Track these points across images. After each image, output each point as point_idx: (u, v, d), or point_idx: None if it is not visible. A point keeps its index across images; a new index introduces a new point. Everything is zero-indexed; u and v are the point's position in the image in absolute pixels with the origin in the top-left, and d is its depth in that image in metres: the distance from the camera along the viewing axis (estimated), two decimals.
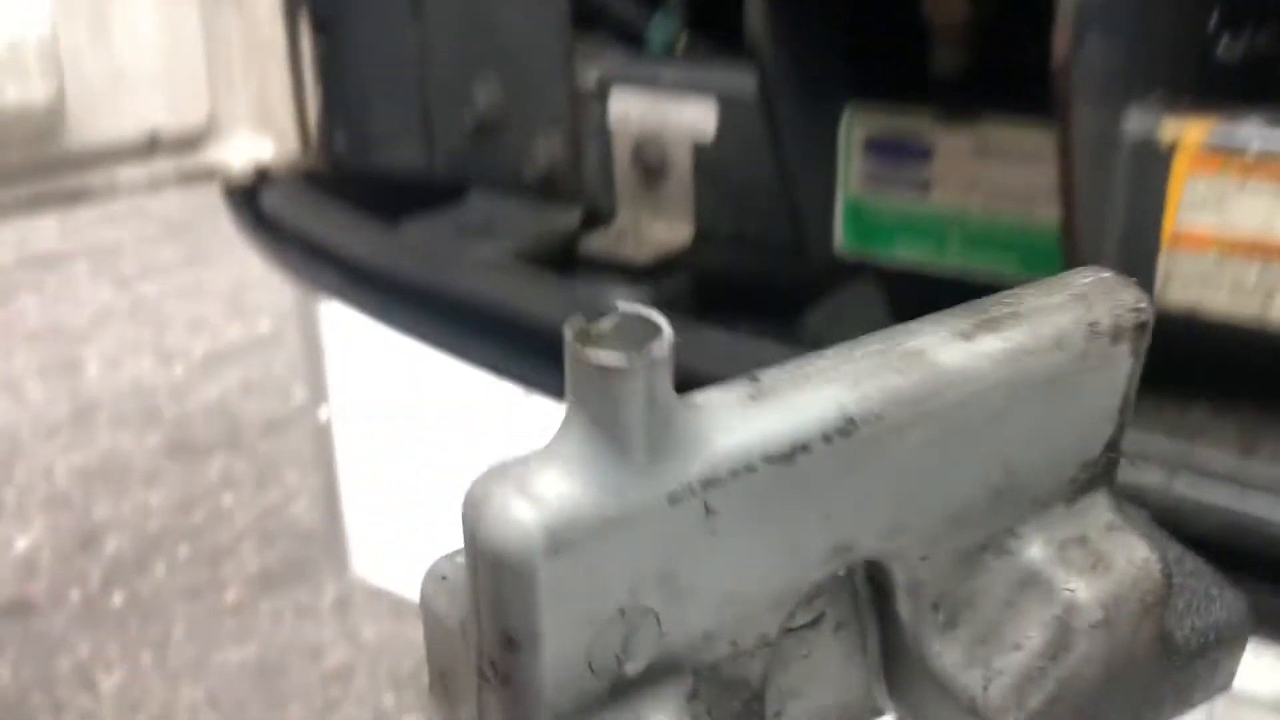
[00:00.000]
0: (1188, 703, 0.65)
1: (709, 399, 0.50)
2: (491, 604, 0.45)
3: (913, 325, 0.56)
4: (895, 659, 0.62)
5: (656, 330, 0.45)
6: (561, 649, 0.46)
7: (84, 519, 4.35)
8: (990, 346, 0.55)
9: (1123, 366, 0.59)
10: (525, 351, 1.49)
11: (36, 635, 3.79)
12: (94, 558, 4.14)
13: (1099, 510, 0.60)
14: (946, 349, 0.54)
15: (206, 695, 3.52)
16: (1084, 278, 0.59)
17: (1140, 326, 0.58)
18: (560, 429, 0.46)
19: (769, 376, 0.52)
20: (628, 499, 0.45)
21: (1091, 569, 0.57)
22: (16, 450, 4.78)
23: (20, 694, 3.56)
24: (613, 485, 0.44)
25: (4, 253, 6.07)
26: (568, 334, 0.44)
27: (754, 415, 0.50)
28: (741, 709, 0.53)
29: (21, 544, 4.23)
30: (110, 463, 4.67)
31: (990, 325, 0.56)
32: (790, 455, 0.49)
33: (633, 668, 0.48)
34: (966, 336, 0.55)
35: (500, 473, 0.45)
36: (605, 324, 0.45)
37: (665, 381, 0.45)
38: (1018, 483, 0.58)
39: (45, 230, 6.19)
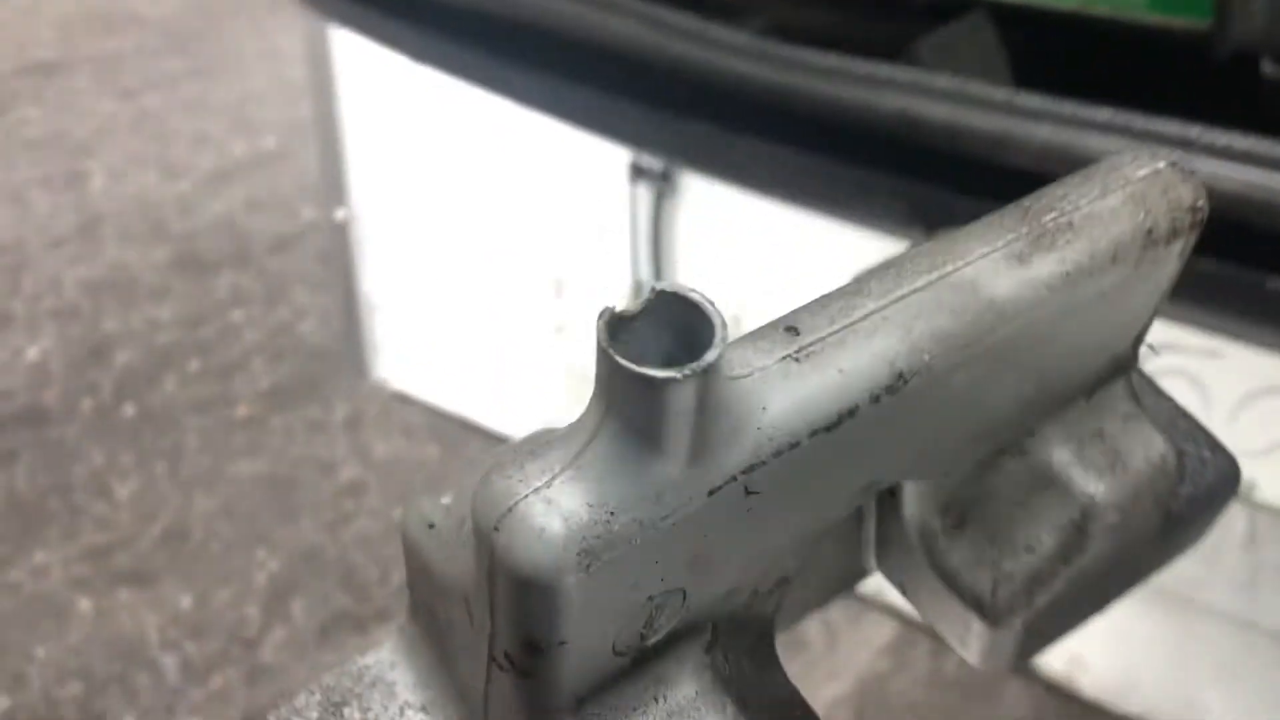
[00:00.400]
0: (1167, 562, 0.64)
1: (749, 364, 0.45)
2: (513, 614, 0.43)
3: (962, 238, 0.51)
4: (892, 543, 0.60)
5: (704, 319, 0.40)
6: (587, 644, 0.44)
7: (93, 331, 4.35)
8: (1045, 271, 0.50)
9: (1170, 266, 0.55)
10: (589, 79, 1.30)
11: (51, 443, 3.83)
12: (105, 369, 4.16)
13: (1117, 400, 0.57)
14: (1000, 277, 0.50)
15: (220, 505, 3.58)
16: (1140, 169, 0.53)
17: (1195, 226, 0.54)
18: (593, 429, 0.42)
19: (809, 325, 0.47)
20: (666, 504, 0.42)
21: (1110, 469, 0.55)
22: (23, 261, 4.75)
23: (38, 499, 3.62)
24: (650, 494, 0.41)
25: (1, 62, 5.92)
26: (599, 327, 0.39)
27: (797, 384, 0.45)
28: (755, 641, 0.52)
29: (32, 353, 4.24)
30: (118, 276, 4.64)
31: (1044, 242, 0.51)
32: (837, 423, 0.46)
33: (656, 639, 0.47)
34: (1021, 259, 0.50)
35: (524, 477, 0.41)
36: (641, 310, 0.40)
37: (716, 381, 0.41)
38: (1047, 390, 0.55)
39: (44, 39, 6.03)
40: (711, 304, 0.40)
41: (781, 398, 0.44)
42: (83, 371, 4.14)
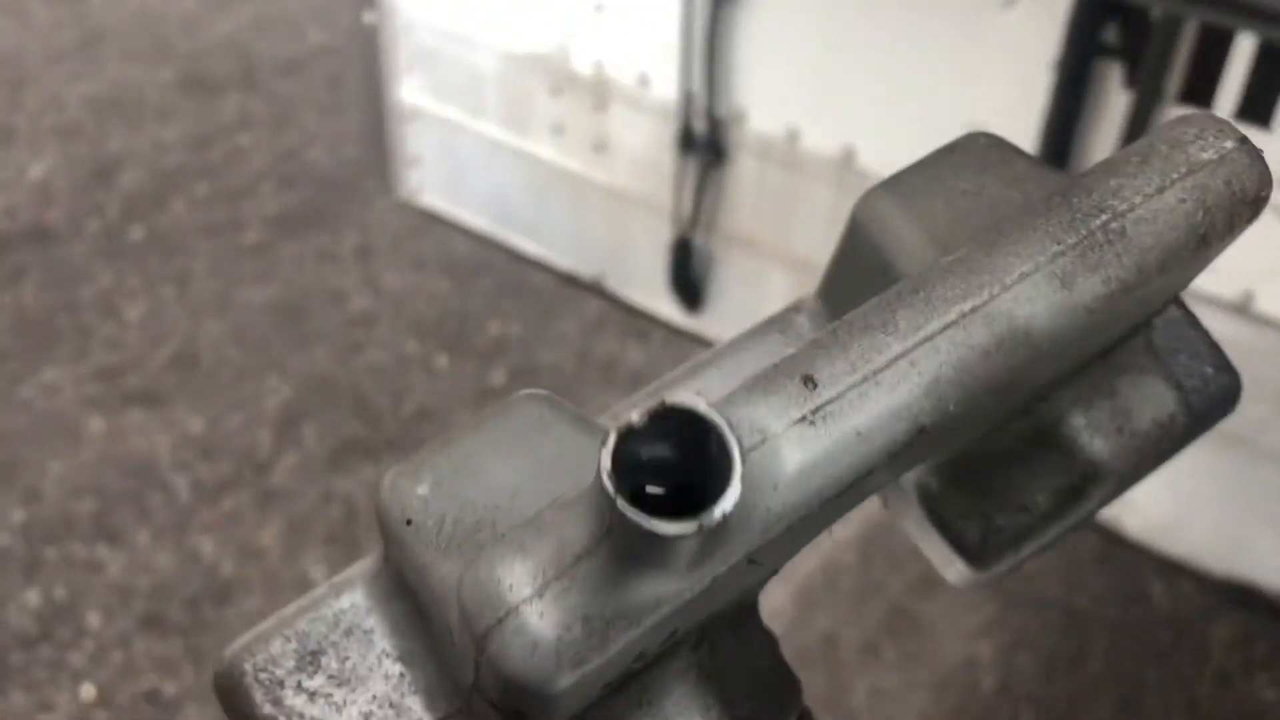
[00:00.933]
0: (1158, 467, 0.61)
1: (762, 429, 0.42)
2: (502, 698, 0.42)
3: (1004, 248, 0.46)
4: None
5: (723, 452, 0.37)
6: (577, 702, 0.42)
7: (98, 150, 4.27)
8: (1089, 294, 0.45)
9: (1217, 253, 0.49)
10: None
11: (58, 262, 3.80)
12: (110, 190, 4.09)
13: (1134, 354, 0.53)
14: (1038, 305, 0.45)
15: (230, 331, 3.57)
16: (1205, 150, 0.47)
17: (1252, 219, 0.48)
18: (589, 541, 0.39)
19: (828, 375, 0.43)
20: (664, 606, 0.40)
21: (1117, 431, 0.52)
22: (24, 76, 4.64)
23: (46, 317, 3.60)
24: (650, 603, 0.40)
25: None
26: (606, 464, 0.36)
27: (812, 451, 0.42)
28: (737, 615, 0.49)
29: (36, 171, 4.17)
30: (122, 94, 4.54)
31: (1091, 258, 0.45)
32: (851, 485, 0.43)
33: (643, 664, 0.45)
34: (1064, 281, 0.45)
35: (515, 582, 0.39)
36: (647, 427, 0.37)
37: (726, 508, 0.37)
38: (1070, 366, 0.51)
39: None
40: (726, 427, 0.37)
41: (792, 470, 0.41)
42: (88, 192, 4.08)
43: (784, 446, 0.42)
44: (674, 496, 0.39)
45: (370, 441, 3.21)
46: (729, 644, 0.48)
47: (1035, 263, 0.45)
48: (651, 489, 0.39)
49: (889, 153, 1.68)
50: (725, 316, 1.99)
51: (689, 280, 1.97)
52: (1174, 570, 2.81)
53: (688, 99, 1.83)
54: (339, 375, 3.41)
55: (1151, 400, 0.53)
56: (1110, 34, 1.39)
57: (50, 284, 3.72)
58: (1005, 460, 0.52)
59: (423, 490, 0.48)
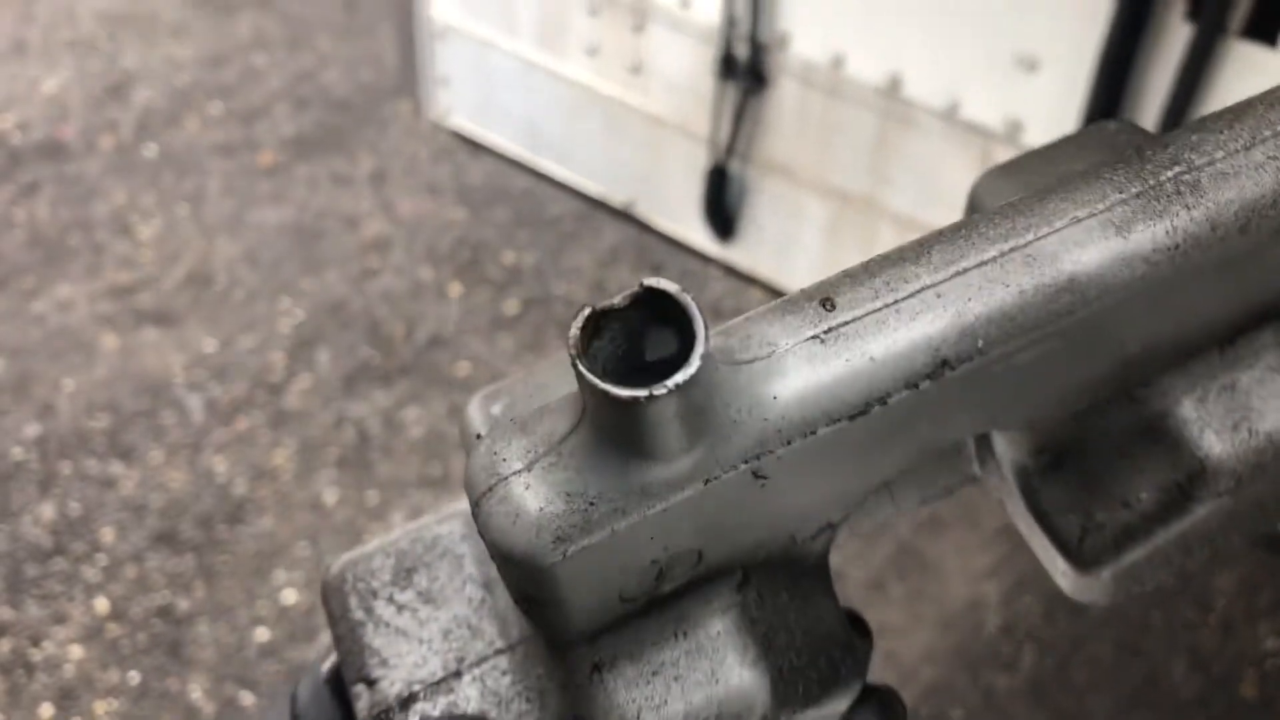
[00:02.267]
0: None
1: (769, 343, 0.41)
2: (504, 574, 0.43)
3: (1058, 195, 0.43)
4: (990, 467, 0.54)
5: (684, 316, 0.37)
6: (584, 598, 0.43)
7: (111, 66, 4.22)
8: (1147, 244, 0.42)
9: None
10: None
11: (71, 178, 3.77)
12: (124, 106, 4.06)
13: (1262, 350, 0.48)
14: (1086, 250, 0.42)
15: (244, 252, 3.55)
16: None
17: None
18: (576, 418, 0.40)
19: (848, 299, 0.42)
20: (652, 496, 0.40)
21: (1234, 429, 0.47)
22: None
23: (60, 233, 3.59)
24: (634, 488, 0.40)
25: None
26: (574, 328, 0.37)
27: (819, 370, 0.41)
28: (797, 576, 0.49)
29: (49, 85, 4.13)
30: (136, 10, 4.48)
31: (1154, 207, 0.42)
32: (864, 411, 0.41)
33: (670, 587, 0.45)
34: (1120, 228, 0.42)
35: (508, 456, 0.41)
36: (627, 305, 0.38)
37: (701, 378, 0.37)
38: (1161, 348, 0.47)
39: None
40: (694, 307, 0.37)
41: (797, 385, 0.41)
42: (102, 107, 4.04)
43: (789, 360, 0.41)
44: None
45: (383, 367, 3.21)
46: (782, 597, 0.48)
47: (1092, 209, 0.43)
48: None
49: (936, 82, 1.66)
50: (758, 246, 1.98)
51: (722, 208, 1.96)
52: None
53: (730, 22, 1.80)
54: (352, 299, 3.40)
55: (1278, 399, 0.48)
56: None
57: (64, 200, 3.70)
58: (1108, 450, 0.49)
59: (496, 410, 0.50)
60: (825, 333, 0.42)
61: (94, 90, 4.12)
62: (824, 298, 0.43)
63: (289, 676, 2.56)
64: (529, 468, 0.41)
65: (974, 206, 0.52)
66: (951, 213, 1.81)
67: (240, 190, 3.76)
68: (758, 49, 1.81)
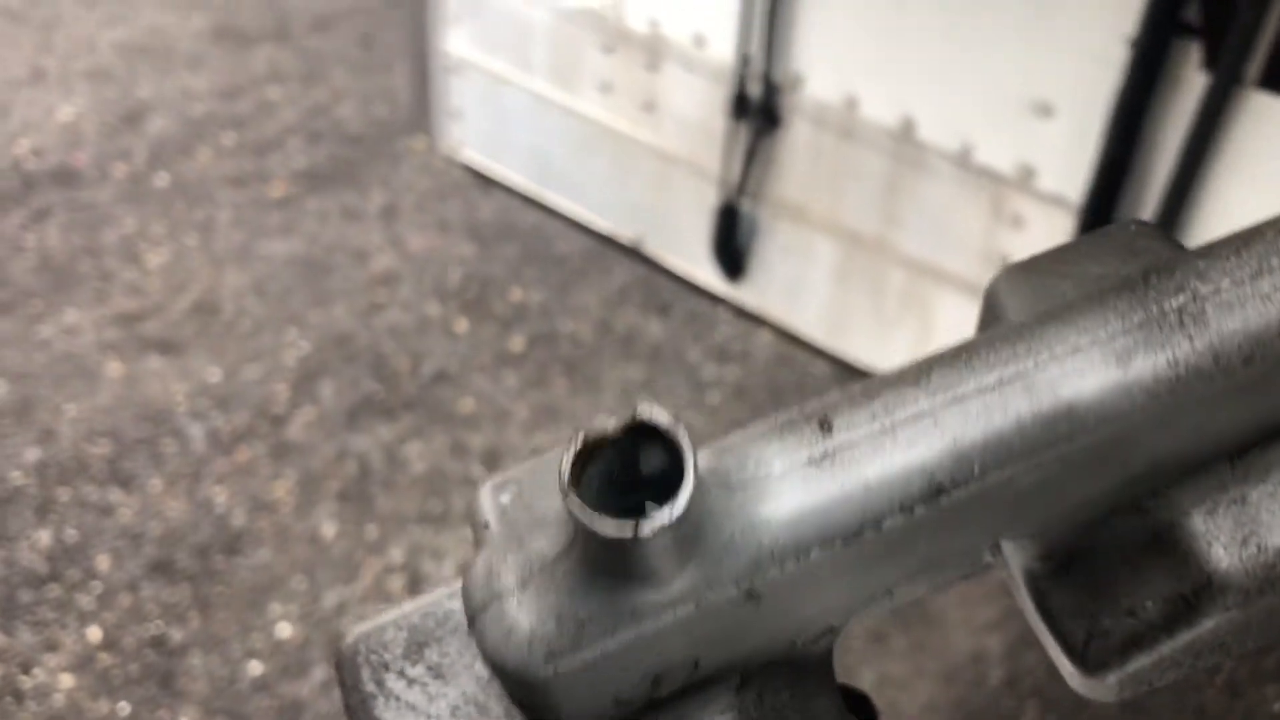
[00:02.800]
0: None
1: (765, 466, 0.42)
2: (504, 686, 0.44)
3: (1060, 320, 0.43)
4: (1000, 561, 0.53)
5: (678, 462, 0.38)
6: (581, 705, 0.44)
7: (127, 95, 4.25)
8: (1148, 374, 0.42)
9: None
10: None
11: (83, 205, 3.78)
12: (138, 135, 4.08)
13: (1271, 463, 0.47)
14: (1087, 379, 0.42)
15: (252, 282, 3.55)
16: None
17: None
18: (569, 540, 0.41)
19: (846, 421, 0.42)
20: (643, 618, 0.41)
21: (1242, 543, 0.47)
22: (57, 18, 4.62)
23: (69, 259, 3.60)
24: (625, 612, 0.41)
25: None
26: (564, 459, 0.38)
27: (814, 492, 0.42)
28: (799, 676, 0.48)
29: (65, 113, 4.15)
30: (154, 41, 4.52)
31: (1157, 337, 0.43)
32: (858, 534, 0.42)
33: (667, 691, 0.45)
34: (1120, 359, 0.42)
35: (503, 573, 0.42)
36: (612, 434, 0.38)
37: (692, 509, 0.38)
38: (1167, 466, 0.46)
39: None
40: (686, 442, 0.38)
41: (791, 508, 0.41)
42: (116, 136, 4.06)
43: (785, 483, 0.42)
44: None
45: (387, 401, 3.20)
46: (782, 695, 0.48)
47: (1093, 337, 0.43)
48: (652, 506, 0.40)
49: (950, 125, 1.66)
50: (767, 286, 1.97)
51: (732, 248, 1.95)
52: None
53: (744, 61, 1.80)
54: (359, 333, 3.40)
55: None
56: (1191, 11, 1.37)
57: (74, 226, 3.71)
58: (1115, 559, 0.49)
59: (505, 499, 0.50)
60: (821, 456, 0.43)
61: (109, 119, 4.14)
62: (822, 418, 0.43)
63: (281, 712, 2.53)
64: (522, 587, 0.42)
65: (989, 304, 0.52)
66: (962, 258, 1.80)
67: (250, 221, 3.77)
68: (771, 89, 1.81)
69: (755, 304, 1.98)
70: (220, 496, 2.95)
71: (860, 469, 0.42)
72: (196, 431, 3.11)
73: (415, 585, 2.73)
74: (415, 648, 0.55)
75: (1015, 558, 0.51)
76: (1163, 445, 0.45)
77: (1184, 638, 0.48)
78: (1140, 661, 0.49)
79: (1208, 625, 0.48)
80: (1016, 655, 2.69)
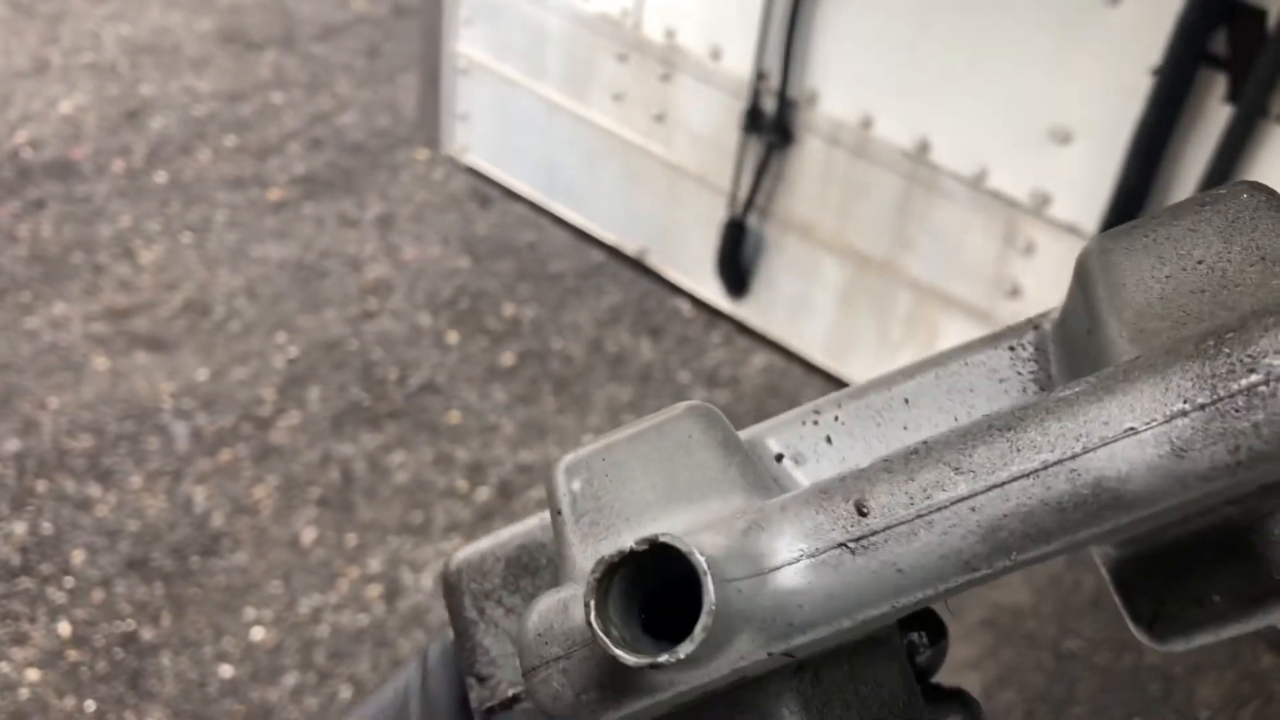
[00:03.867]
0: None
1: (796, 549, 0.43)
2: None
3: (1112, 400, 0.41)
4: None
5: (698, 592, 0.40)
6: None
7: (130, 92, 4.24)
8: (1205, 462, 0.40)
9: None
10: None
11: (79, 198, 3.76)
12: (139, 132, 4.06)
13: None
14: (1138, 468, 0.41)
15: (244, 284, 3.53)
16: None
17: None
18: (591, 630, 0.43)
19: (882, 504, 0.43)
20: (682, 685, 0.44)
21: None
22: (64, 11, 4.61)
23: (62, 251, 3.57)
24: (665, 681, 0.44)
25: None
26: (587, 593, 0.41)
27: (847, 574, 0.42)
28: (855, 651, 0.49)
29: (66, 106, 4.13)
30: (160, 40, 4.51)
31: (1216, 426, 0.40)
32: (892, 606, 0.43)
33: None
34: (1178, 450, 0.40)
35: (552, 640, 0.45)
36: (635, 554, 0.41)
37: (717, 620, 0.40)
38: (1235, 494, 0.45)
39: None
40: (706, 572, 0.39)
41: (824, 590, 0.42)
42: (116, 132, 4.05)
43: (816, 569, 0.43)
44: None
45: (373, 409, 3.17)
46: (842, 669, 0.48)
47: (1150, 419, 0.41)
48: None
49: (965, 149, 1.66)
50: (770, 305, 1.96)
51: (737, 264, 1.94)
52: None
53: (759, 75, 1.80)
54: (348, 340, 3.38)
55: None
56: (1218, 43, 1.37)
57: (69, 219, 3.69)
58: (1190, 550, 0.48)
59: (576, 486, 0.52)
60: (855, 540, 0.43)
61: (110, 114, 4.13)
62: (858, 500, 0.43)
63: (248, 717, 2.49)
64: (568, 655, 0.45)
65: (1081, 274, 0.49)
66: (970, 283, 1.79)
67: (246, 224, 3.76)
68: (786, 105, 1.80)
69: (757, 322, 1.97)
70: (200, 496, 2.92)
71: (893, 553, 0.42)
72: (180, 430, 3.08)
73: (393, 596, 2.70)
74: (513, 578, 0.60)
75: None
76: (1232, 495, 0.43)
77: (1247, 626, 0.48)
78: (1202, 639, 0.49)
79: (1270, 619, 0.48)
80: (994, 695, 2.67)
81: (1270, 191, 0.48)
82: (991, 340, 0.56)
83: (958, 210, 1.65)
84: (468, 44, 2.17)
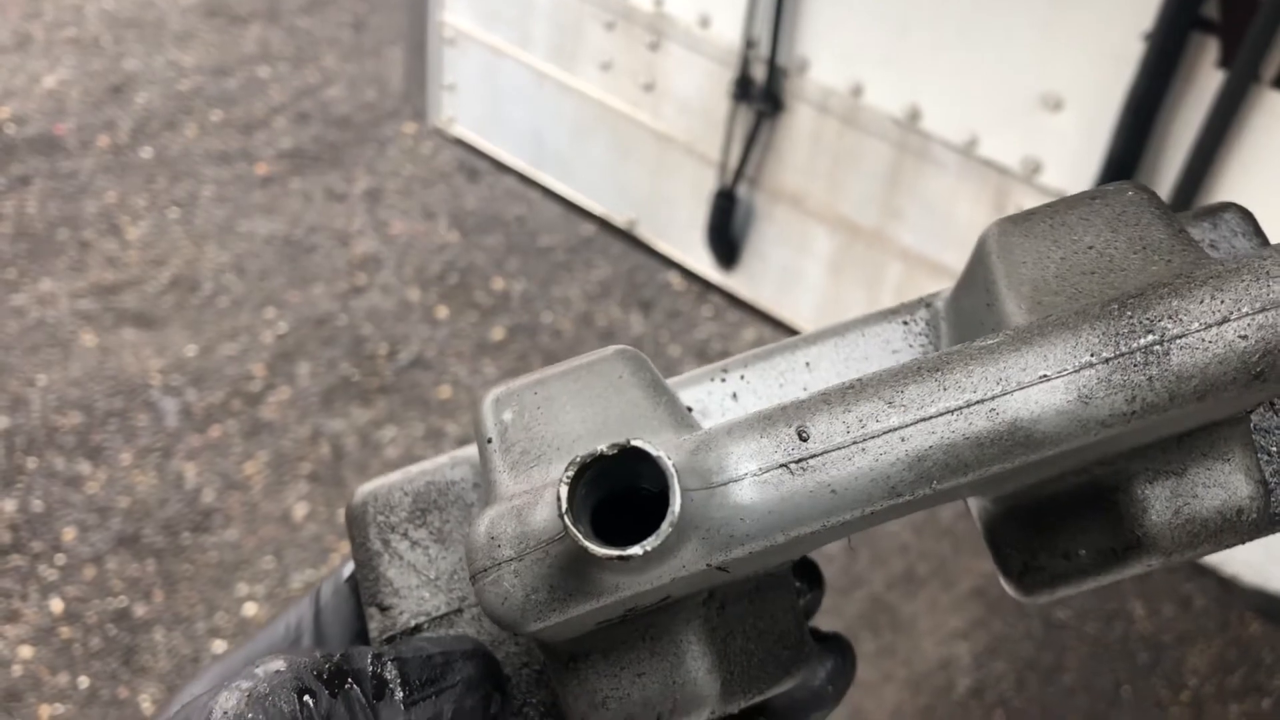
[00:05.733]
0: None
1: (740, 467, 0.46)
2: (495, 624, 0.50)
3: (1031, 344, 0.47)
4: None
5: (661, 481, 0.42)
6: (562, 632, 0.49)
7: (114, 67, 4.20)
8: (1106, 409, 0.46)
9: None
10: None
11: (64, 174, 3.73)
12: (123, 107, 4.03)
13: (1216, 443, 0.52)
14: (1047, 411, 0.46)
15: (232, 259, 3.51)
16: None
17: None
18: (559, 531, 0.46)
19: (822, 431, 0.47)
20: (624, 592, 0.46)
21: (1174, 512, 0.51)
22: None
23: (48, 228, 3.54)
24: (609, 588, 0.46)
25: None
26: (561, 486, 0.43)
27: (786, 491, 0.46)
28: (759, 583, 0.53)
29: (49, 81, 4.10)
30: (144, 14, 4.47)
31: (1118, 378, 0.46)
32: (822, 525, 0.47)
33: (641, 611, 0.51)
34: (1083, 397, 0.46)
35: (504, 543, 0.47)
36: (605, 457, 0.43)
37: (673, 529, 0.43)
38: (1113, 454, 0.51)
39: None
40: (674, 476, 0.42)
41: (764, 505, 0.46)
42: (101, 107, 4.01)
43: (758, 485, 0.46)
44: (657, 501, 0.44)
45: (363, 384, 3.16)
46: (742, 604, 0.53)
47: (1060, 368, 0.46)
48: (646, 487, 0.45)
49: (956, 116, 1.65)
50: (760, 276, 1.96)
51: (727, 234, 1.93)
52: (1157, 595, 2.80)
53: (749, 43, 1.79)
54: (337, 315, 3.36)
55: (1221, 490, 0.52)
56: (1210, 7, 1.36)
57: (54, 195, 3.66)
58: (1061, 507, 0.53)
59: (507, 416, 0.54)
60: (795, 462, 0.46)
61: (94, 89, 4.09)
62: (800, 427, 0.47)
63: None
64: (519, 558, 0.47)
65: (979, 253, 0.55)
66: (962, 252, 1.78)
67: (233, 199, 3.73)
68: (776, 72, 1.79)
69: (747, 293, 1.96)
70: (190, 473, 2.91)
71: (829, 475, 0.46)
72: (169, 406, 3.07)
73: None
74: (419, 513, 0.62)
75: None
76: (1111, 450, 0.49)
77: (1106, 579, 0.54)
78: (1065, 592, 0.55)
79: (1128, 573, 0.53)
80: (984, 664, 2.68)
81: (1151, 192, 0.54)
82: (888, 314, 0.62)
83: (948, 178, 1.65)
84: (454, 13, 2.15)
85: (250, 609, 2.64)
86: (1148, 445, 0.51)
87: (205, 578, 2.70)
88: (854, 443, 0.46)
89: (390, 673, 0.51)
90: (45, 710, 2.45)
